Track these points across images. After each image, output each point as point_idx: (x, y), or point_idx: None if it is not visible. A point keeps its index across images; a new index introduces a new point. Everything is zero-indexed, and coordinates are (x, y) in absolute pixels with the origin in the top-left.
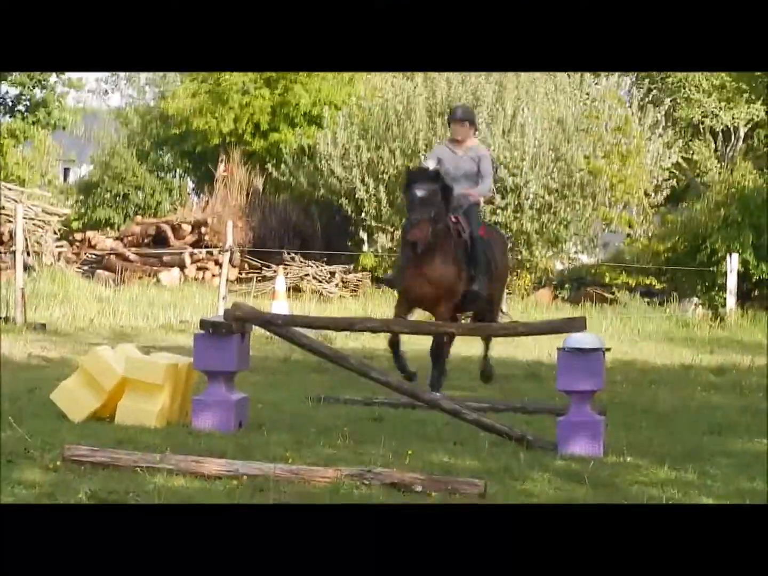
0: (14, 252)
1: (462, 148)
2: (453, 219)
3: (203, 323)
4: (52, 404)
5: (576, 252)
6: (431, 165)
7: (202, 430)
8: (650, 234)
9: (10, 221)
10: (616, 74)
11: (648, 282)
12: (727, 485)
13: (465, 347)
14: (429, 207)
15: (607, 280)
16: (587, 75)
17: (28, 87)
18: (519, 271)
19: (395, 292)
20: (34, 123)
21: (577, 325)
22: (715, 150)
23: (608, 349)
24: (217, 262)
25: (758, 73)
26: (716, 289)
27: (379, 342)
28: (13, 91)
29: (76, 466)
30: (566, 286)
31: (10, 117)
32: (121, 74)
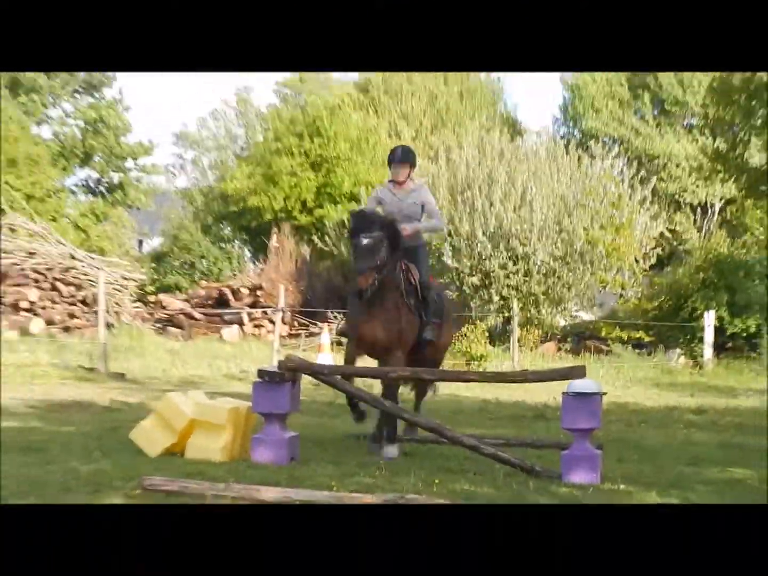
0: (97, 312)
1: (403, 190)
2: (403, 266)
3: (260, 372)
4: (131, 442)
5: (577, 310)
6: (372, 208)
7: (260, 463)
8: (640, 295)
9: (93, 286)
10: (611, 156)
11: (638, 336)
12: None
13: (482, 392)
14: (374, 254)
15: (603, 334)
16: (585, 157)
17: (107, 171)
18: (528, 327)
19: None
20: (112, 203)
21: (577, 372)
22: (695, 222)
23: (605, 393)
24: (271, 321)
25: (735, 154)
26: (696, 341)
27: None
28: (94, 175)
29: (152, 494)
30: (568, 339)
31: (92, 197)
32: (187, 158)
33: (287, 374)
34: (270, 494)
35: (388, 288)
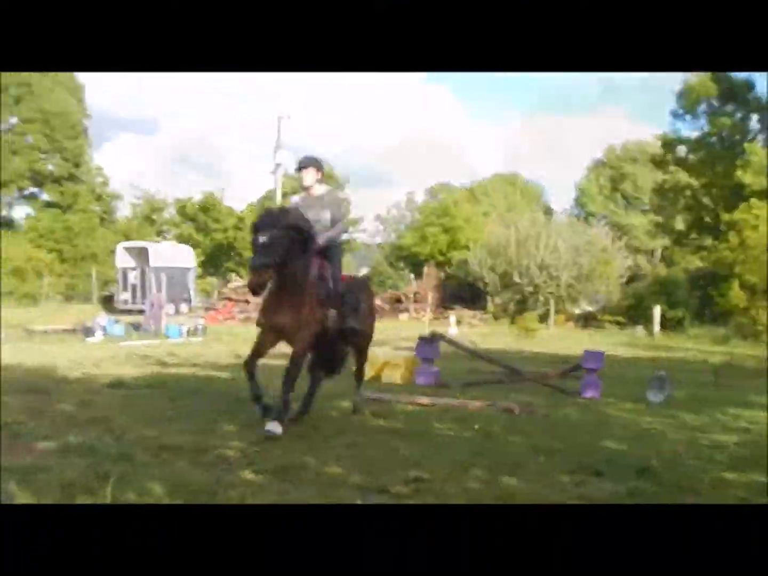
0: None
1: (312, 197)
2: (318, 263)
3: (420, 337)
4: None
5: (585, 305)
6: (286, 208)
7: (420, 385)
8: (618, 297)
9: None
10: (601, 225)
11: (618, 319)
12: (653, 410)
13: (535, 347)
14: (269, 252)
15: (599, 318)
16: (588, 226)
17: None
18: (558, 313)
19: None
20: (343, 251)
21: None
22: (647, 259)
23: (604, 352)
24: (425, 310)
25: (668, 224)
26: (649, 322)
27: (494, 342)
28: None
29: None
30: (579, 320)
31: None
32: (380, 228)
33: (434, 338)
34: (424, 400)
35: (293, 281)
